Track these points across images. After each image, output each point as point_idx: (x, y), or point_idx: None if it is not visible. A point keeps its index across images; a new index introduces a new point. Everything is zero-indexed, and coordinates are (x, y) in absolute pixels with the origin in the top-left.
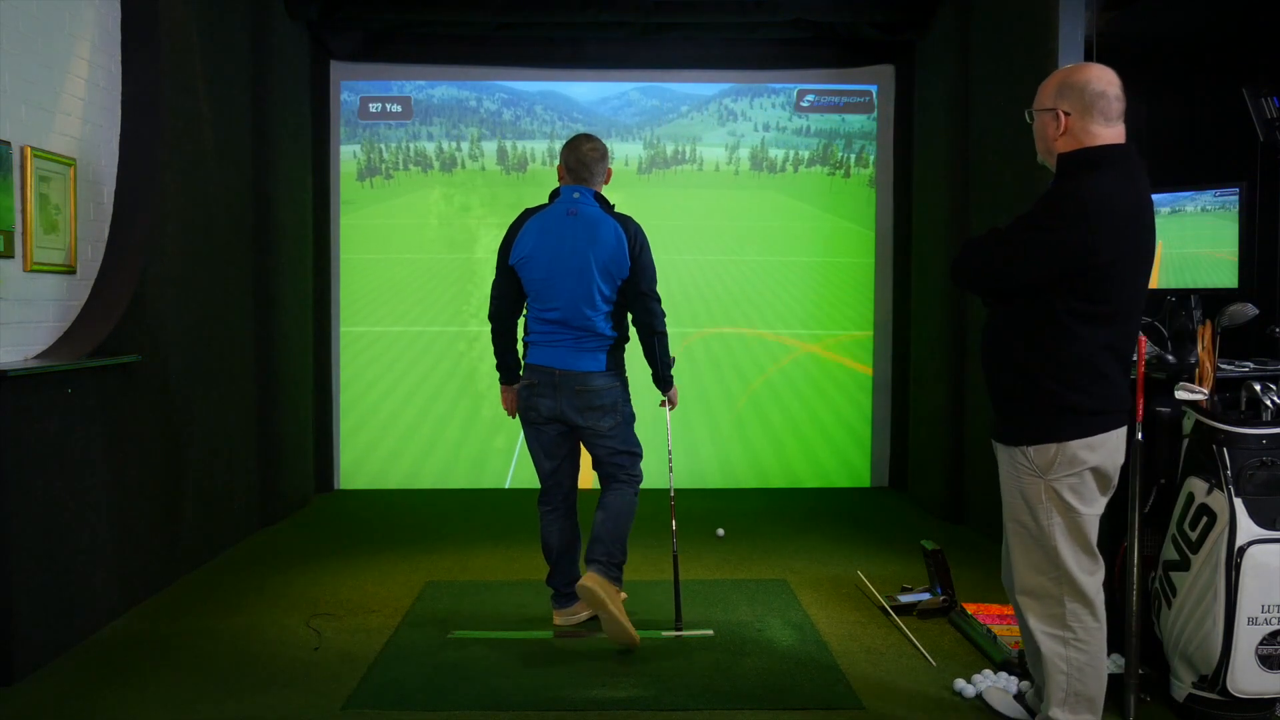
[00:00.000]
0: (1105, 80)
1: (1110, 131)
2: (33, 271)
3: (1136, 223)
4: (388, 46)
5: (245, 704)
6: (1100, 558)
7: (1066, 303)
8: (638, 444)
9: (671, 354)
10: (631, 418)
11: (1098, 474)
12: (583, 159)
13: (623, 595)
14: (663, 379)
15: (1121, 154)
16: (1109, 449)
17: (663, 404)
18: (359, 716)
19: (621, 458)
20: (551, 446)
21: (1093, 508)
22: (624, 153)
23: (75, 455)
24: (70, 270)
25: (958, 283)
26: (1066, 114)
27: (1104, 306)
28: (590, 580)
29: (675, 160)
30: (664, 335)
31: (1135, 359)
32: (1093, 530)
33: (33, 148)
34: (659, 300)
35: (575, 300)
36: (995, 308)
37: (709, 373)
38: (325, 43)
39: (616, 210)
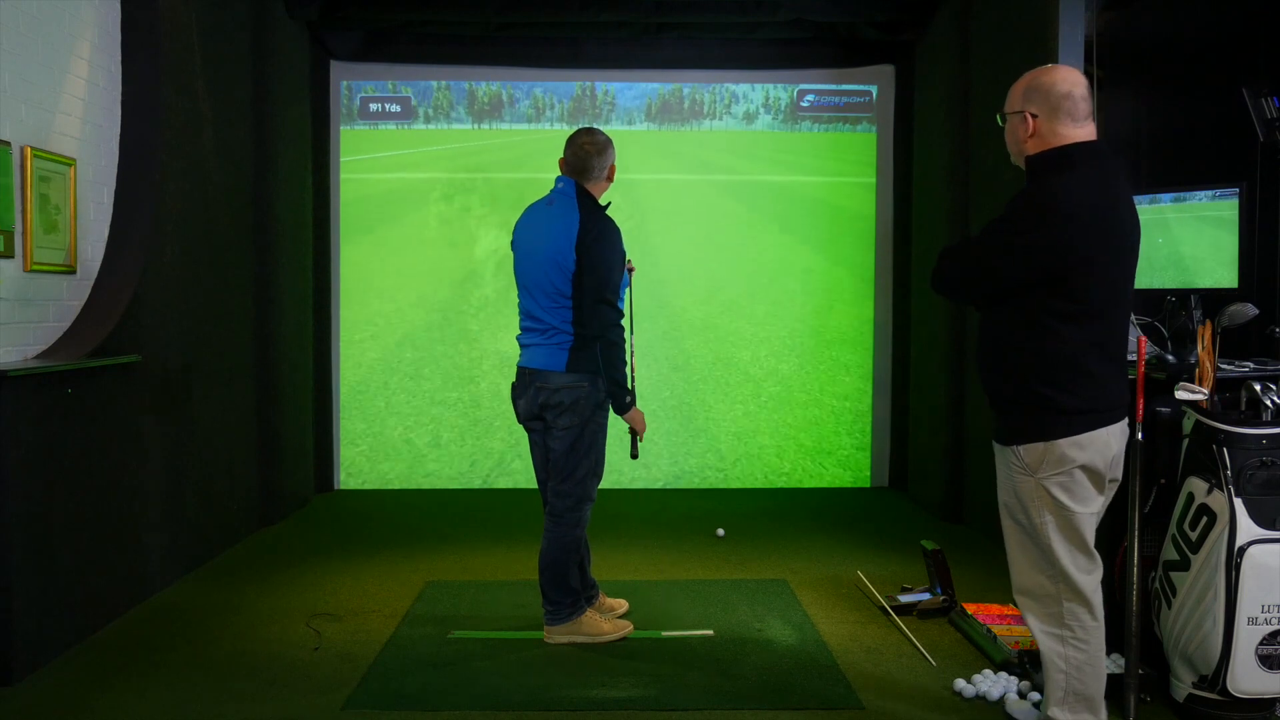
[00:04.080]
0: (1071, 81)
1: (1079, 131)
2: (33, 271)
3: (1110, 218)
4: (388, 46)
5: (245, 704)
6: (1097, 557)
7: (1046, 303)
8: (590, 479)
9: (625, 375)
10: (595, 437)
11: (1089, 472)
12: (579, 153)
13: (617, 605)
14: (611, 395)
15: (1091, 151)
16: (1098, 447)
17: (633, 449)
18: (359, 716)
19: (566, 483)
20: (538, 450)
21: (1086, 506)
22: (626, 132)
23: (75, 455)
24: (70, 270)
25: (938, 291)
26: (1034, 116)
27: (1083, 304)
28: (553, 639)
29: (678, 118)
30: (612, 343)
31: (1131, 357)
32: (1088, 529)
33: (33, 148)
34: (609, 304)
35: (532, 290)
36: (982, 314)
37: (709, 372)
38: (325, 43)
39: (606, 210)
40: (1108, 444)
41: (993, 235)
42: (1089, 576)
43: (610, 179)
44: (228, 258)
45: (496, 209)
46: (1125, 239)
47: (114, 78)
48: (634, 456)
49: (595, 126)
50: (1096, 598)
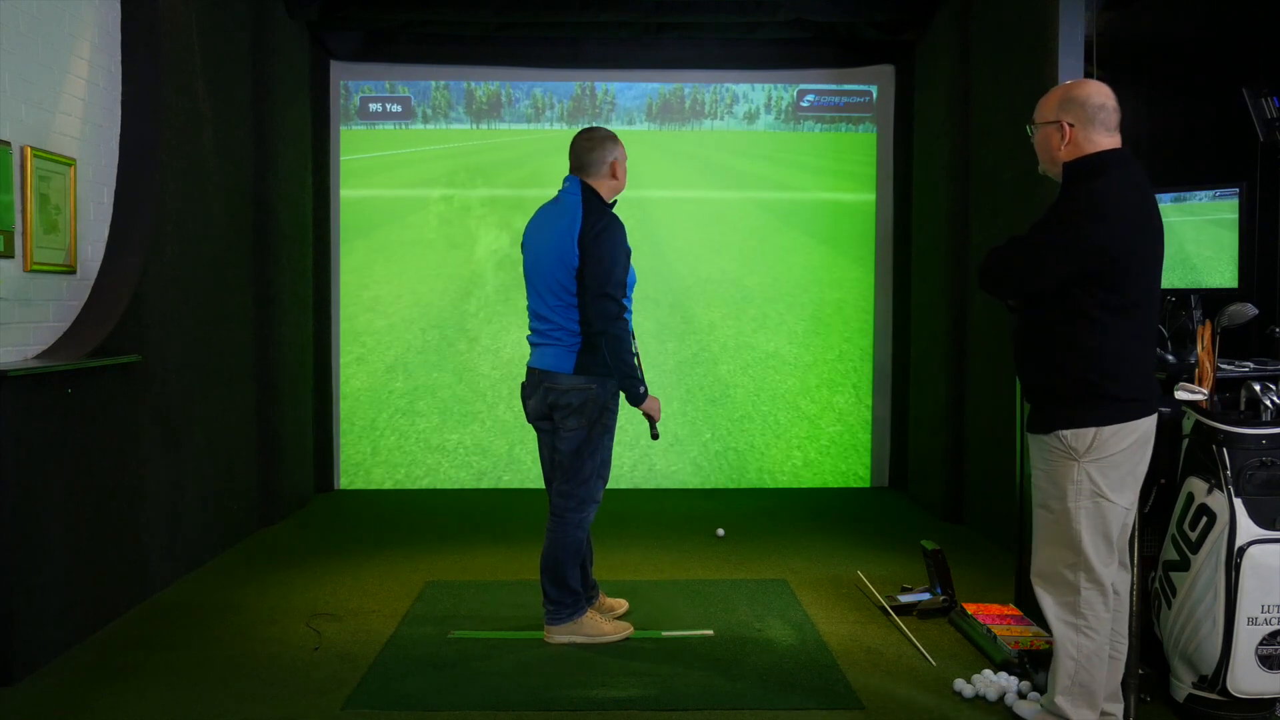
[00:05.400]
0: (1104, 94)
1: (1110, 139)
2: (33, 271)
3: (1145, 216)
4: (388, 46)
5: (245, 704)
6: (1115, 552)
7: (1094, 297)
8: (595, 480)
9: (635, 362)
10: (602, 439)
11: (1128, 459)
12: (577, 150)
13: (617, 605)
14: (624, 388)
15: (1123, 157)
16: (1141, 434)
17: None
18: (359, 716)
19: (570, 484)
20: (546, 449)
21: (1118, 497)
22: (626, 132)
23: (75, 455)
24: (70, 270)
25: (987, 289)
26: (1070, 125)
27: (1126, 297)
28: (553, 639)
29: (679, 118)
30: (615, 338)
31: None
32: (1114, 522)
33: (33, 148)
34: (611, 299)
35: (539, 289)
36: (1024, 309)
37: (709, 372)
38: (325, 43)
39: (612, 208)
40: (1148, 433)
41: (1042, 235)
42: (1107, 568)
43: (616, 177)
44: (228, 258)
45: (496, 209)
46: (1156, 235)
47: (114, 78)
48: (654, 437)
49: (598, 125)
50: (1110, 587)
